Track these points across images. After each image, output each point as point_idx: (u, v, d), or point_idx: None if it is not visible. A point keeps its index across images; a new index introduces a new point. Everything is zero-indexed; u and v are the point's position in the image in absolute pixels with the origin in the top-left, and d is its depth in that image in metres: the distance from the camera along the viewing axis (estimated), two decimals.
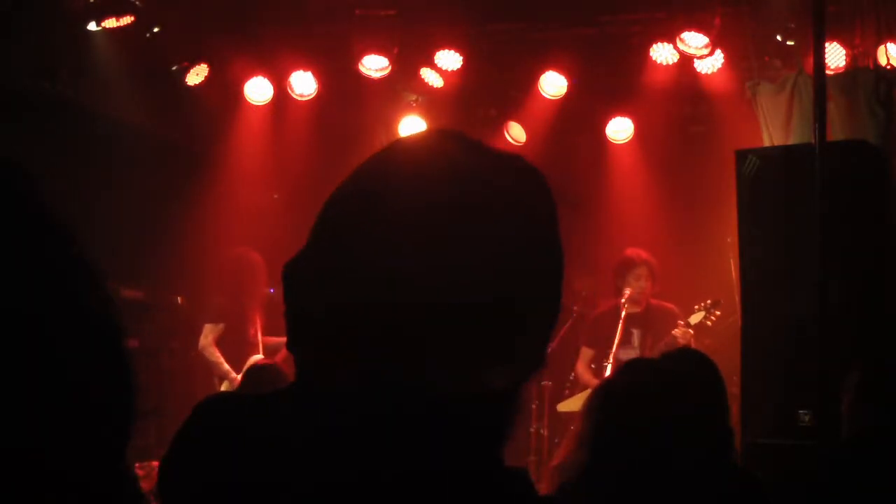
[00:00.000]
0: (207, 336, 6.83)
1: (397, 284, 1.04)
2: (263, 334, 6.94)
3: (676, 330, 6.61)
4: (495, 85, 7.86)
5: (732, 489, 2.71)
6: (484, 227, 1.04)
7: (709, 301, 6.81)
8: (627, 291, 6.79)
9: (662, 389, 2.59)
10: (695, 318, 6.76)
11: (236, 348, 6.81)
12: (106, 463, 0.71)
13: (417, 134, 1.19)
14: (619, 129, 7.85)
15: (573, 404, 6.96)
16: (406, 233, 1.05)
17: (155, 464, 4.14)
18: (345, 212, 1.12)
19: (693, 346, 6.57)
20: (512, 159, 1.14)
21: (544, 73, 7.47)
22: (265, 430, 1.13)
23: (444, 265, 1.03)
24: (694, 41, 6.73)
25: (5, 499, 0.63)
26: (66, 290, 0.70)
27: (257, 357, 6.79)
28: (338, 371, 1.09)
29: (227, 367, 6.73)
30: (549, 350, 1.13)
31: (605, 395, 2.67)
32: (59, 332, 0.68)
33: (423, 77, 7.53)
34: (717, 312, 6.80)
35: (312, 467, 1.07)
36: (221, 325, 6.85)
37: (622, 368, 2.88)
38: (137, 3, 6.65)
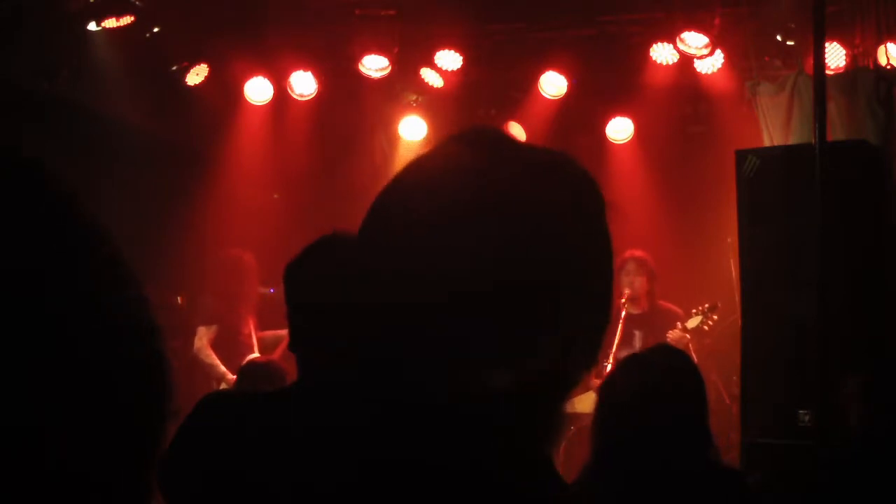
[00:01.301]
0: (202, 338, 6.83)
1: (401, 284, 1.04)
2: (257, 332, 6.95)
3: (672, 333, 6.59)
4: (495, 85, 7.86)
5: (716, 487, 2.72)
6: (485, 228, 1.04)
7: (706, 305, 6.79)
8: (627, 291, 6.78)
9: (653, 390, 2.61)
10: (692, 323, 6.73)
11: (231, 349, 6.81)
12: (134, 465, 0.70)
13: (438, 143, 1.17)
14: (619, 129, 7.85)
15: (572, 405, 6.95)
16: (412, 233, 1.06)
17: None
18: (368, 219, 1.12)
19: (691, 349, 6.57)
20: (541, 154, 1.13)
21: (544, 73, 7.47)
22: (266, 427, 1.14)
23: (442, 266, 1.03)
24: (694, 41, 6.72)
25: (27, 501, 0.63)
26: (97, 290, 0.70)
27: (254, 356, 6.79)
28: (339, 369, 1.10)
29: (223, 368, 6.73)
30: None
31: (601, 398, 2.71)
32: (88, 331, 0.68)
33: (423, 77, 7.53)
34: (715, 317, 6.79)
35: (313, 463, 1.07)
36: (215, 327, 6.85)
37: (616, 368, 2.90)
38: (137, 3, 6.65)
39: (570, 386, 1.11)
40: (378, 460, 1.04)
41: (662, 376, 2.68)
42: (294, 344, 1.79)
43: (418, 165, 1.13)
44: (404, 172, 1.12)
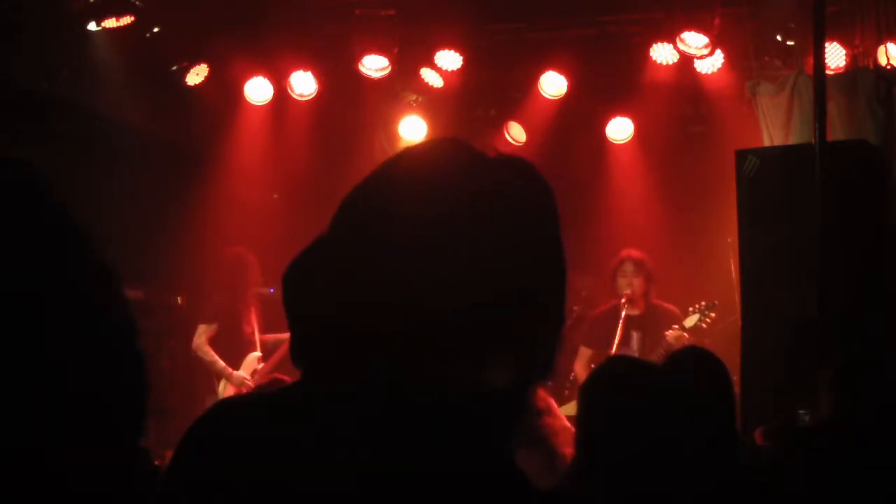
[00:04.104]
0: (201, 336, 6.86)
1: (398, 288, 1.05)
2: (260, 332, 6.96)
3: (669, 333, 6.55)
4: (495, 85, 7.86)
5: (732, 489, 2.70)
6: (481, 229, 1.05)
7: (703, 303, 6.76)
8: (627, 292, 6.76)
9: (648, 385, 2.60)
10: (690, 322, 6.70)
11: (233, 347, 6.84)
12: (116, 460, 0.70)
13: (422, 142, 1.19)
14: (619, 129, 7.85)
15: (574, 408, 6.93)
16: (405, 239, 1.06)
17: (157, 463, 4.15)
18: (349, 220, 1.13)
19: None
20: (513, 162, 1.14)
21: (544, 73, 7.47)
22: (272, 434, 1.14)
23: (441, 268, 1.04)
24: (694, 41, 6.73)
25: (13, 501, 0.63)
26: (79, 289, 0.70)
27: (256, 354, 6.83)
28: (342, 373, 1.10)
29: (222, 364, 6.76)
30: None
31: (589, 391, 2.70)
32: (70, 330, 0.68)
33: (423, 77, 7.53)
34: (713, 314, 6.75)
35: (319, 469, 1.07)
36: (215, 325, 6.88)
37: (602, 364, 2.89)
38: (137, 3, 6.65)
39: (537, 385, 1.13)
40: (382, 461, 1.04)
41: (694, 382, 2.67)
42: (296, 354, 1.69)
43: (407, 167, 1.13)
44: (382, 176, 1.13)
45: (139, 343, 0.74)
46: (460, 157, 1.12)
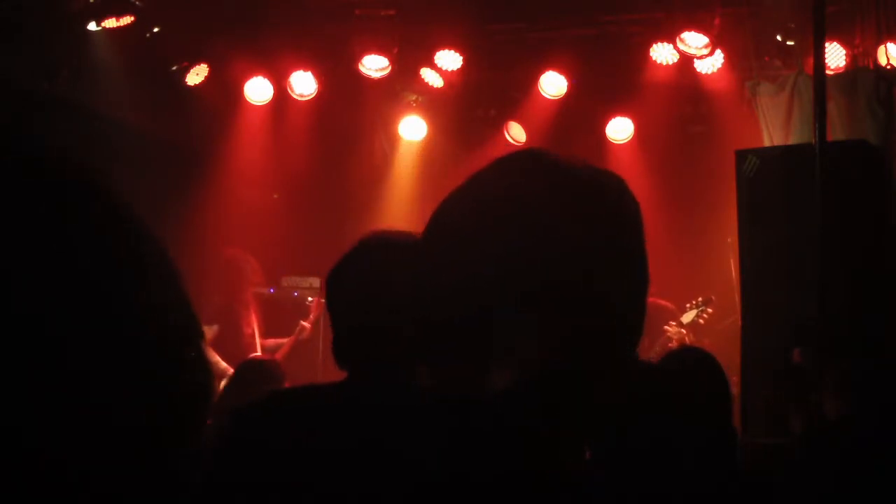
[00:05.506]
0: None
1: (407, 297, 1.06)
2: (262, 335, 6.95)
3: (669, 329, 6.57)
4: (495, 85, 7.87)
5: (730, 490, 2.71)
6: (480, 234, 1.06)
7: (700, 298, 6.78)
8: None
9: (647, 384, 2.60)
10: (687, 317, 6.72)
11: (234, 348, 6.82)
12: (175, 463, 0.70)
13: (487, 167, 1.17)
14: (619, 129, 7.85)
15: None
16: (417, 250, 1.08)
17: None
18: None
19: (688, 344, 6.54)
20: (547, 163, 1.15)
21: (544, 73, 7.47)
22: (306, 436, 1.15)
23: (446, 277, 1.05)
24: (694, 41, 6.73)
25: (13, 501, 0.62)
26: (141, 289, 0.69)
27: (256, 356, 6.81)
28: (373, 376, 1.11)
29: (223, 364, 6.75)
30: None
31: None
32: (136, 331, 0.67)
33: (423, 77, 7.54)
34: (710, 310, 6.77)
35: (348, 470, 1.08)
36: (215, 327, 6.87)
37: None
38: (137, 3, 6.65)
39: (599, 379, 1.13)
40: (411, 467, 1.05)
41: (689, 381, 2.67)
42: (337, 353, 1.69)
43: (467, 186, 1.14)
44: (456, 191, 1.14)
45: (203, 346, 0.73)
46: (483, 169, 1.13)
